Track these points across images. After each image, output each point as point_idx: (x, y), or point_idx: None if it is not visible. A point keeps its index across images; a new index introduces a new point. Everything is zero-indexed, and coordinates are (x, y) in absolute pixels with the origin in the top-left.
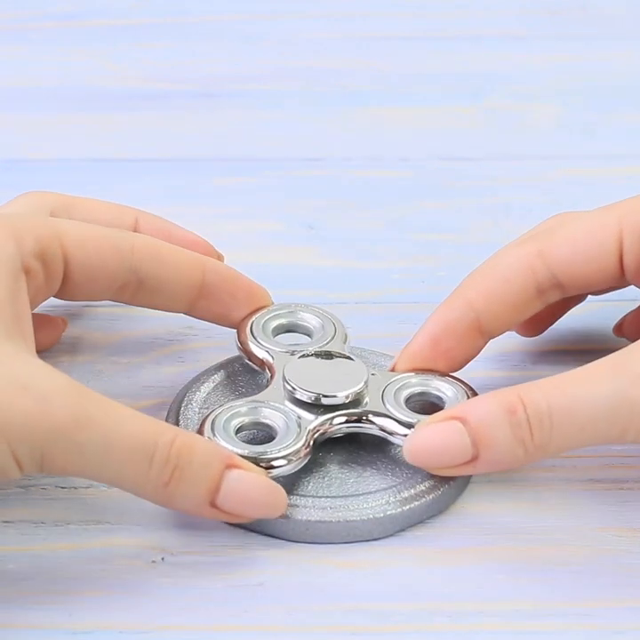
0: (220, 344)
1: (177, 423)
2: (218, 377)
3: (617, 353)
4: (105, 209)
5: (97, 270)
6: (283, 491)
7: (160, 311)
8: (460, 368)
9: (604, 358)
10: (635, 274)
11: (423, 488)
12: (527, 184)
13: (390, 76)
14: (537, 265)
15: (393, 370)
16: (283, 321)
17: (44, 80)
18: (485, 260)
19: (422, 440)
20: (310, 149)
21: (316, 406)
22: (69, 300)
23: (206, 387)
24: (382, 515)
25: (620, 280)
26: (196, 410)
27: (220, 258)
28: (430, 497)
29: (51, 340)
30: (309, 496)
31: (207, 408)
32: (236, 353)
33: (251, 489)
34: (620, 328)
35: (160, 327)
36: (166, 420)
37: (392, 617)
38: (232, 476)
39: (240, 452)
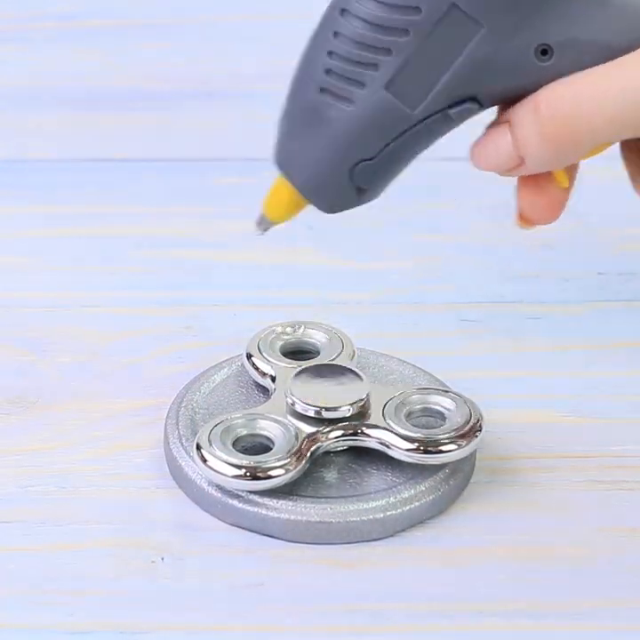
0: (219, 344)
1: (177, 423)
2: (218, 377)
3: None
4: None
5: None
6: None
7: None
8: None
9: None
10: None
11: (423, 489)
12: None
13: None
14: None
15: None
16: (290, 338)
17: (44, 80)
18: None
19: (479, 146)
20: None
21: (317, 420)
22: None
23: (206, 387)
24: (382, 515)
25: None
26: (196, 410)
27: None
28: (430, 497)
29: None
30: (309, 496)
31: (207, 408)
32: (237, 353)
33: None
34: None
35: (160, 327)
36: (166, 420)
37: (392, 617)
38: None
39: (237, 462)
